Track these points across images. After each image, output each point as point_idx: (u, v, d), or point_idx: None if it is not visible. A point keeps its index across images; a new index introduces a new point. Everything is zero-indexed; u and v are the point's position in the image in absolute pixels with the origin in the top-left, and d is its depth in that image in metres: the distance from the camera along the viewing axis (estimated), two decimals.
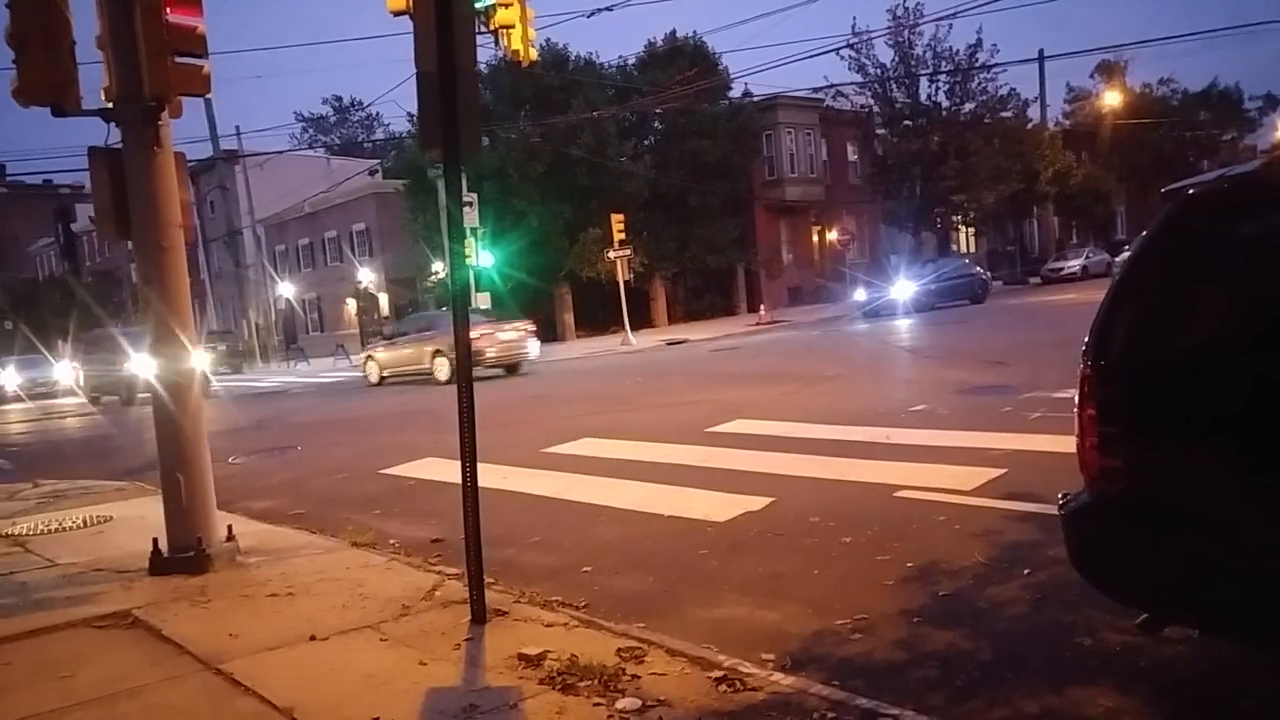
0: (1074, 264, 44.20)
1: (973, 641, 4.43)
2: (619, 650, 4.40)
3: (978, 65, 43.01)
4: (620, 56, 41.90)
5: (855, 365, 18.09)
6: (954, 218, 48.69)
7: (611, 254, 32.36)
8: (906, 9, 42.53)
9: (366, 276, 47.42)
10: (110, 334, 30.82)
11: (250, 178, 47.08)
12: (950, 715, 3.75)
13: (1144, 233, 3.73)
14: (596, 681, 4.05)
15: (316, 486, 10.26)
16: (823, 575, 5.59)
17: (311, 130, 78.62)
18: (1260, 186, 3.51)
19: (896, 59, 44.08)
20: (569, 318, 40.28)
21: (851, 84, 45.08)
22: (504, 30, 14.71)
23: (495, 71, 35.99)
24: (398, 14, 14.78)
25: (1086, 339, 3.52)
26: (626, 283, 32.97)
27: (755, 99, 43.13)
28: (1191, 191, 3.55)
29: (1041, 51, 46.48)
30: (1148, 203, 52.90)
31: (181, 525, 6.52)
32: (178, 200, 6.56)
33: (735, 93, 42.65)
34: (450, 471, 8.73)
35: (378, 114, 79.60)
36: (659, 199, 39.17)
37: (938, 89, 44.47)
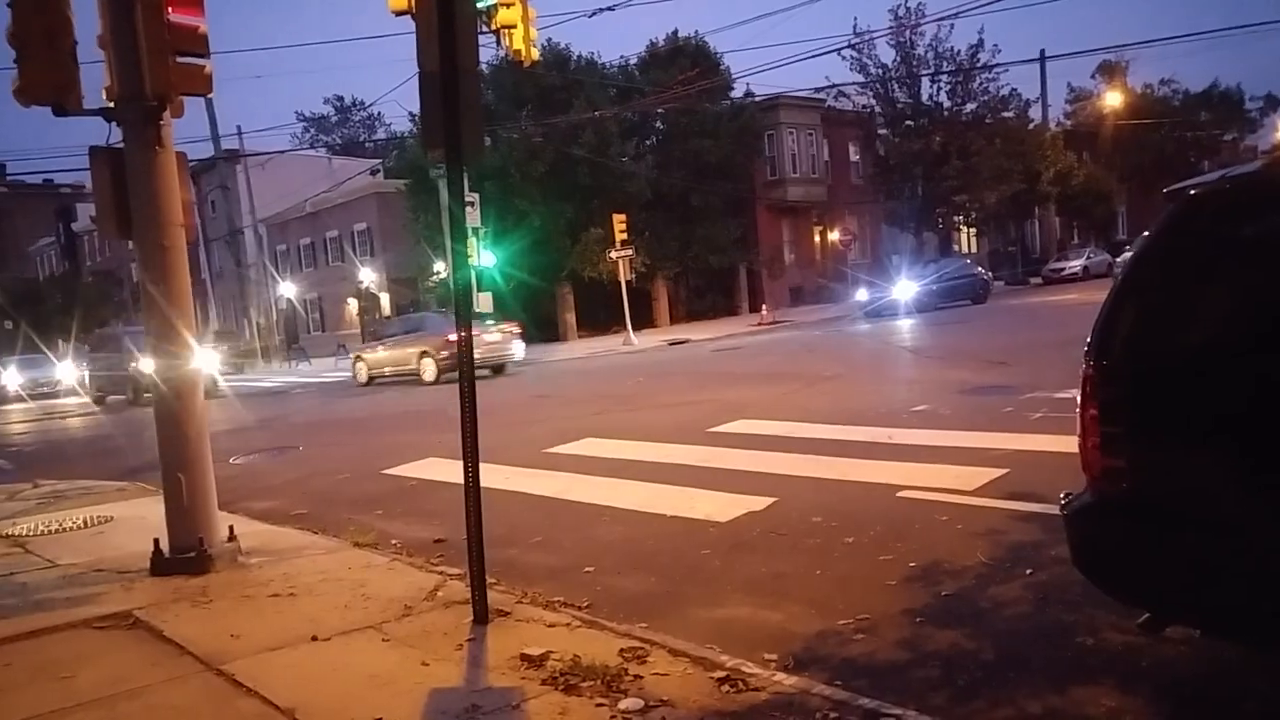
0: (1075, 264, 44.21)
1: (975, 641, 4.43)
2: (621, 650, 4.40)
3: (979, 65, 43.01)
4: (622, 56, 42.10)
5: (857, 365, 18.09)
6: (955, 218, 48.68)
7: (613, 254, 32.36)
8: (908, 9, 42.57)
9: (368, 276, 47.45)
10: (117, 332, 30.81)
11: (252, 177, 47.11)
12: (953, 715, 3.75)
13: (1146, 233, 3.73)
14: (599, 682, 4.05)
15: (318, 486, 10.26)
16: (825, 575, 5.58)
17: (313, 130, 78.76)
18: (1262, 187, 3.51)
19: (898, 59, 44.11)
20: (571, 317, 40.29)
21: (853, 84, 45.10)
22: (506, 30, 14.69)
23: (497, 71, 36.00)
24: (399, 14, 14.78)
25: (1089, 339, 3.52)
26: (628, 283, 32.96)
27: (757, 99, 43.12)
28: (1194, 192, 3.55)
29: (1043, 52, 46.61)
30: (1149, 203, 52.83)
31: (183, 525, 6.51)
32: (179, 200, 6.56)
33: (737, 93, 42.71)
34: (452, 471, 8.74)
35: (379, 114, 79.77)
36: (661, 199, 39.17)
37: (939, 89, 44.51)
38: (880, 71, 44.32)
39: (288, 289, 51.74)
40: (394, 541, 7.22)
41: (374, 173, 49.05)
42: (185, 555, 6.45)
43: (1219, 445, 3.17)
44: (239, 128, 68.40)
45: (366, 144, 70.40)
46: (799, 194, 45.95)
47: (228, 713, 4.13)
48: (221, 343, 35.06)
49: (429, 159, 27.22)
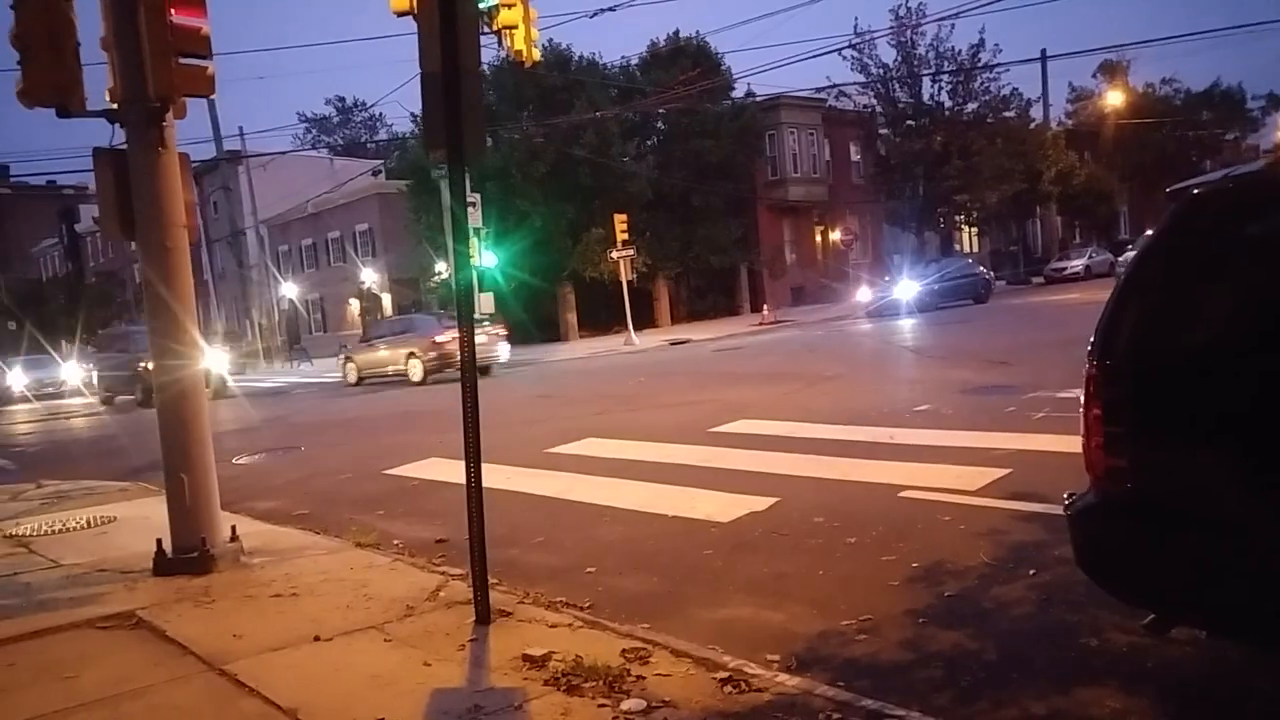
0: (1077, 264, 44.20)
1: (978, 642, 4.42)
2: (624, 651, 4.39)
3: (980, 65, 42.99)
4: (623, 57, 42.08)
5: (859, 365, 18.09)
6: (957, 217, 48.69)
7: (614, 254, 32.37)
8: (909, 9, 42.56)
9: (370, 277, 47.49)
10: (126, 331, 30.61)
11: (254, 178, 47.14)
12: (956, 716, 3.75)
13: (1149, 232, 3.73)
14: (601, 682, 4.05)
15: (320, 487, 10.26)
16: (827, 575, 5.58)
17: (315, 131, 78.78)
18: (1265, 186, 3.51)
19: (899, 59, 44.09)
20: (572, 318, 40.32)
21: (854, 84, 45.10)
22: (507, 30, 14.67)
23: (498, 72, 36.04)
24: (401, 14, 14.77)
25: (1092, 339, 3.52)
26: (630, 283, 32.97)
27: (758, 99, 43.13)
28: (1197, 191, 3.54)
29: (1044, 51, 46.59)
30: (1151, 202, 52.93)
31: (185, 526, 6.51)
32: (182, 200, 6.58)
33: (738, 93, 42.71)
34: (453, 471, 8.73)
35: (381, 114, 79.75)
36: (662, 199, 39.19)
37: (940, 89, 44.49)
38: (881, 71, 44.32)
39: (289, 289, 51.79)
40: (396, 542, 7.22)
41: (375, 173, 49.11)
42: (188, 555, 6.45)
43: (1222, 445, 3.17)
44: (241, 129, 68.51)
45: (368, 145, 70.46)
46: (800, 194, 45.95)
47: (230, 713, 4.13)
48: (232, 343, 34.98)
49: (431, 159, 27.29)
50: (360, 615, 5.27)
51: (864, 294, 35.35)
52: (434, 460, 10.64)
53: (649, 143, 41.89)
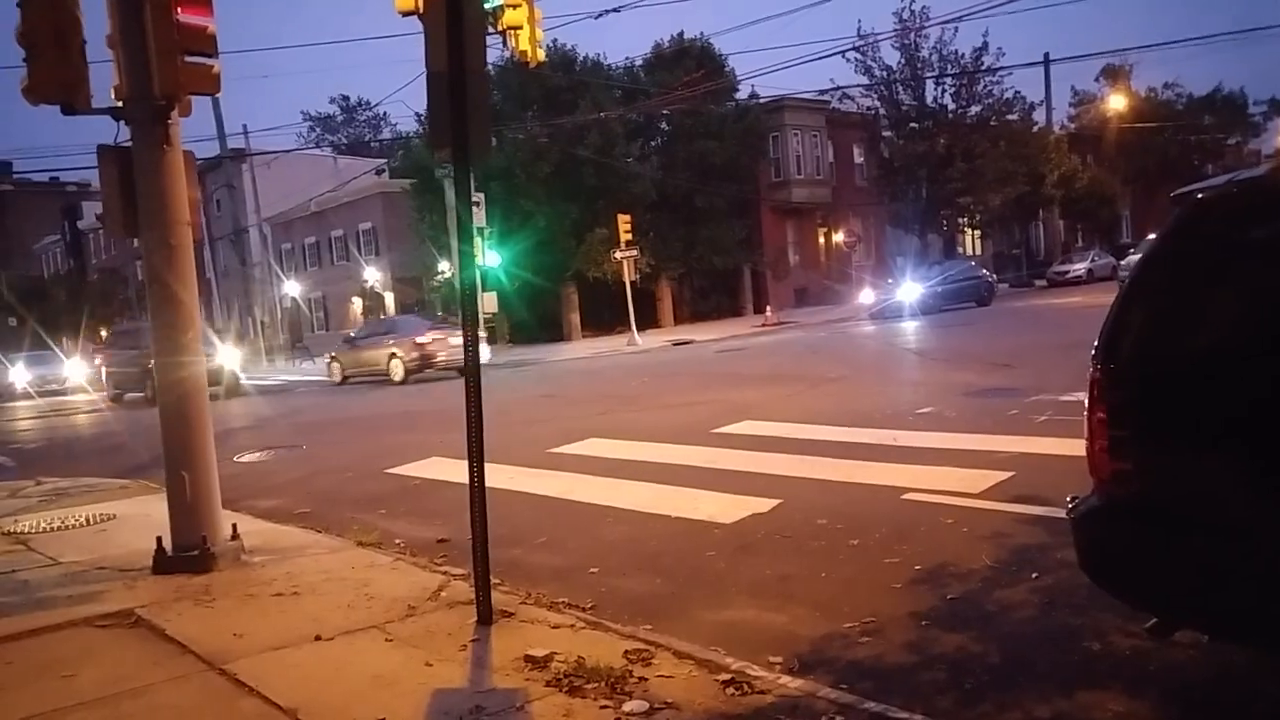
0: (1079, 267, 44.27)
1: (981, 645, 4.41)
2: (626, 652, 4.39)
3: (983, 68, 42.99)
4: (627, 58, 41.92)
5: (862, 367, 18.08)
6: (960, 220, 48.67)
7: (618, 254, 32.36)
8: (913, 12, 42.53)
9: (372, 276, 47.50)
10: (138, 328, 30.33)
11: (257, 176, 47.17)
12: (959, 719, 3.74)
13: (1153, 236, 3.72)
14: (603, 684, 4.04)
15: (322, 485, 10.26)
16: (830, 578, 5.57)
17: (319, 129, 78.80)
18: (1269, 191, 3.51)
19: (903, 61, 44.08)
20: (575, 318, 40.33)
21: (858, 86, 45.09)
22: (512, 31, 14.70)
23: (503, 72, 36.04)
24: (406, 14, 14.77)
25: (1096, 342, 3.52)
26: (633, 283, 32.97)
27: (762, 101, 43.12)
28: (1201, 196, 3.55)
29: (1047, 55, 46.67)
30: (1153, 206, 52.94)
31: (186, 523, 6.50)
32: (186, 198, 6.57)
33: (742, 94, 42.68)
34: (456, 471, 8.71)
35: (385, 113, 79.76)
36: (665, 200, 39.19)
37: (944, 91, 44.47)
38: (885, 74, 44.31)
39: (292, 288, 51.79)
40: (398, 541, 7.21)
41: (379, 172, 49.08)
42: (188, 553, 6.44)
43: (1228, 448, 3.17)
44: (245, 127, 68.53)
45: (372, 144, 70.47)
46: (803, 195, 45.93)
47: (230, 712, 4.13)
48: (255, 339, 34.87)
49: (436, 159, 27.39)
50: (362, 615, 5.26)
51: (867, 296, 35.31)
52: (436, 460, 10.64)
53: (653, 143, 41.91)
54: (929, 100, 44.72)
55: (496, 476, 7.95)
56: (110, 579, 6.39)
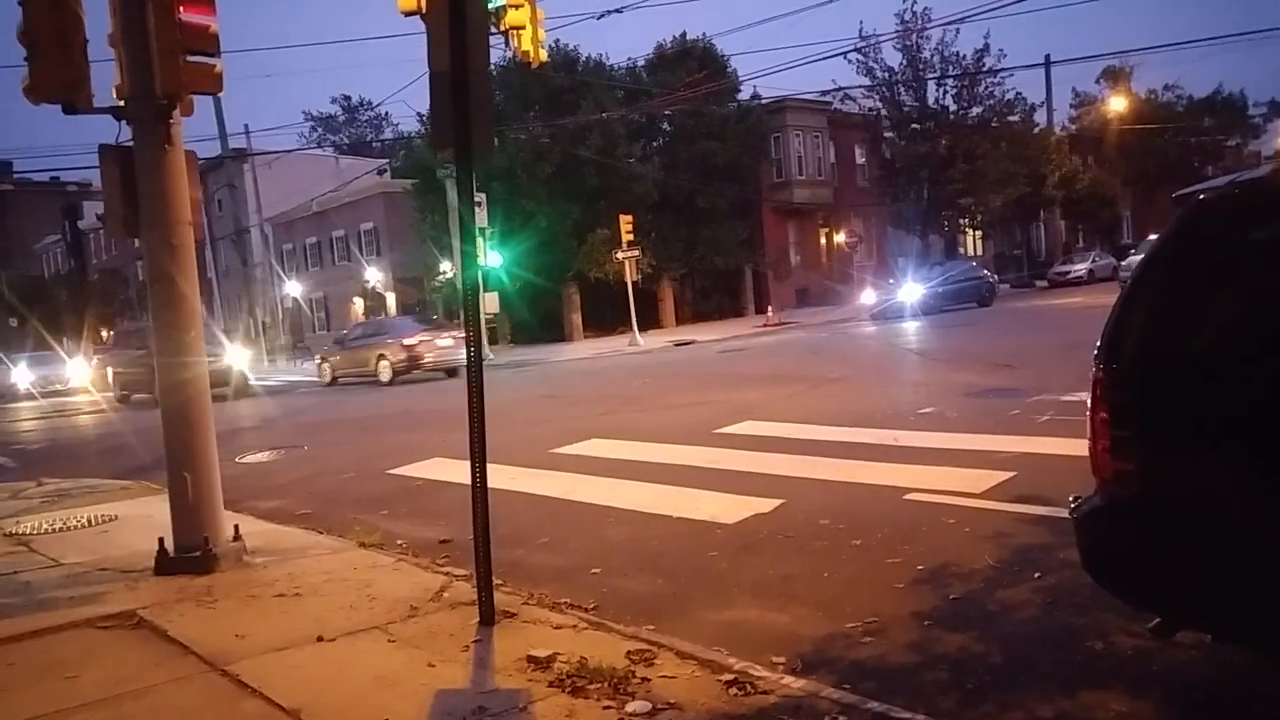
0: (1080, 267, 44.39)
1: (984, 644, 4.41)
2: (629, 653, 4.38)
3: (985, 70, 42.99)
4: (629, 58, 41.91)
5: (863, 367, 18.08)
6: (961, 221, 48.68)
7: (620, 254, 32.35)
8: (914, 13, 42.53)
9: (374, 276, 47.50)
10: (147, 327, 30.25)
11: (258, 176, 47.19)
12: (961, 718, 3.74)
13: (1155, 237, 3.73)
14: (606, 684, 4.04)
15: (323, 486, 10.25)
16: (833, 578, 5.57)
17: (320, 129, 78.80)
18: (1271, 192, 3.51)
19: (904, 63, 44.08)
20: (577, 318, 40.32)
21: (859, 87, 45.09)
22: (514, 31, 14.73)
23: (505, 72, 36.06)
24: (408, 14, 14.80)
25: (1098, 342, 3.52)
26: (635, 283, 32.97)
27: (764, 102, 43.13)
28: (1203, 197, 3.56)
29: (1048, 57, 46.69)
30: (1153, 207, 53.07)
31: (188, 524, 6.49)
32: (188, 198, 6.56)
33: (744, 95, 42.71)
34: (457, 471, 8.72)
35: (387, 114, 79.74)
36: (667, 200, 39.21)
37: (945, 93, 44.47)
38: (886, 75, 44.33)
39: (293, 288, 51.81)
40: (399, 542, 7.20)
41: (381, 172, 49.14)
42: (190, 554, 6.42)
43: (1229, 449, 3.17)
44: (246, 126, 68.55)
45: (374, 144, 70.47)
46: (805, 196, 45.94)
47: (232, 714, 4.12)
48: (268, 338, 34.79)
49: (438, 159, 27.44)
50: (364, 616, 5.25)
51: (868, 296, 35.32)
52: (438, 460, 10.63)
53: (655, 144, 41.93)
54: (930, 101, 44.74)
55: (498, 477, 7.95)
56: (112, 580, 6.38)
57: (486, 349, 26.12)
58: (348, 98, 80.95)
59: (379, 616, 5.22)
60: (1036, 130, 47.22)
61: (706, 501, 7.57)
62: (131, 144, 6.45)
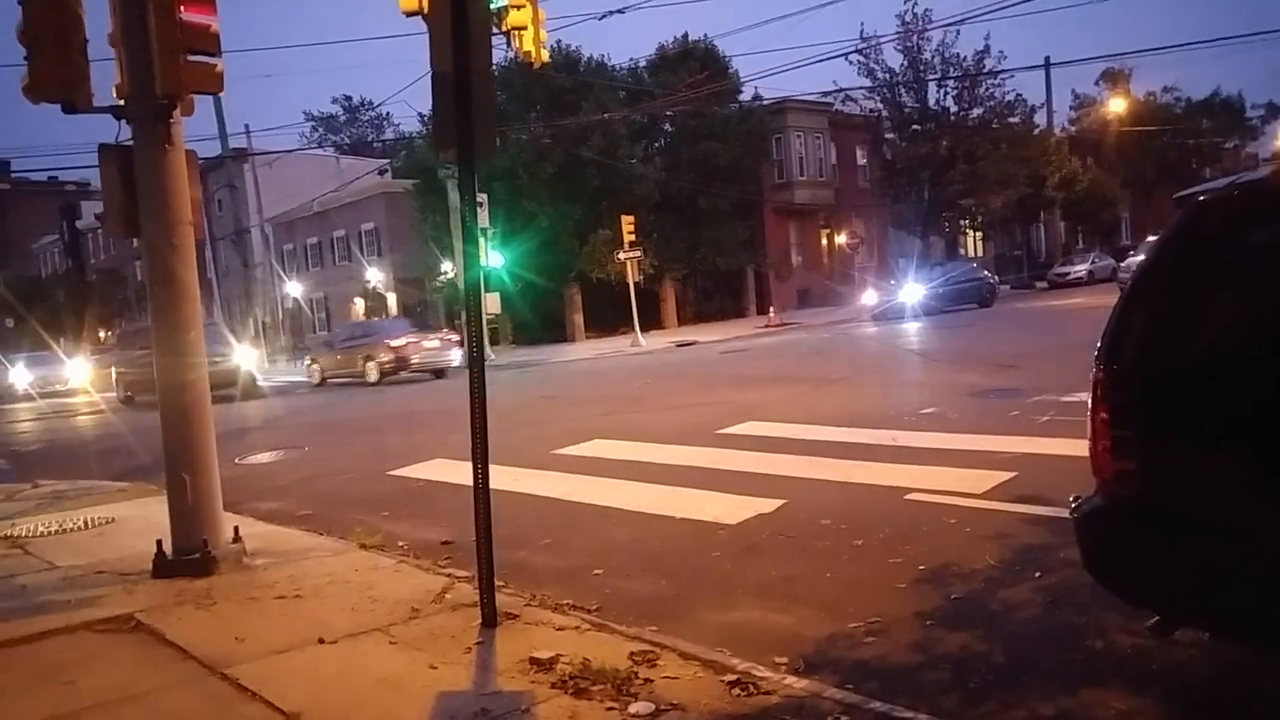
0: (1080, 269, 44.57)
1: (985, 644, 4.42)
2: (631, 654, 4.37)
3: (985, 71, 43.00)
4: (631, 59, 41.94)
5: (865, 368, 18.08)
6: (962, 222, 48.71)
7: (621, 255, 32.36)
8: (915, 15, 42.54)
9: (375, 276, 47.51)
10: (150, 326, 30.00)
11: (259, 176, 47.18)
12: (964, 718, 3.75)
13: (1155, 238, 3.74)
14: (609, 685, 4.03)
15: (324, 487, 10.24)
16: (835, 578, 5.57)
17: (321, 129, 78.76)
18: (1270, 194, 3.51)
19: (905, 64, 44.10)
20: (579, 318, 40.34)
21: (860, 88, 45.11)
22: (516, 31, 14.72)
23: (507, 72, 36.06)
24: (410, 14, 14.81)
25: (1099, 343, 3.54)
26: (636, 284, 32.97)
27: (765, 103, 43.14)
28: (1203, 198, 3.56)
29: (1048, 59, 46.71)
30: (1152, 208, 53.16)
31: (186, 526, 6.44)
32: (188, 198, 6.53)
33: (745, 96, 42.72)
34: (459, 473, 8.71)
35: (388, 114, 79.66)
36: (669, 201, 39.23)
37: (946, 94, 44.48)
38: (887, 76, 44.34)
39: (294, 288, 51.80)
40: (401, 543, 7.19)
41: (382, 173, 49.15)
42: (189, 557, 6.37)
43: (1229, 449, 3.18)
44: (247, 126, 68.49)
45: (375, 144, 70.44)
46: (806, 197, 45.96)
47: (231, 718, 4.10)
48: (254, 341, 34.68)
49: (440, 159, 27.48)
50: (365, 618, 5.23)
51: (869, 297, 35.33)
52: (439, 461, 10.62)
53: (656, 145, 41.95)
54: (931, 103, 44.76)
55: (500, 478, 7.94)
56: (109, 583, 6.31)
57: (488, 349, 26.24)
58: (349, 98, 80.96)
59: (380, 618, 5.19)
60: (1036, 132, 47.23)
61: (709, 502, 7.56)
62: (131, 143, 6.42)
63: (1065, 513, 3.78)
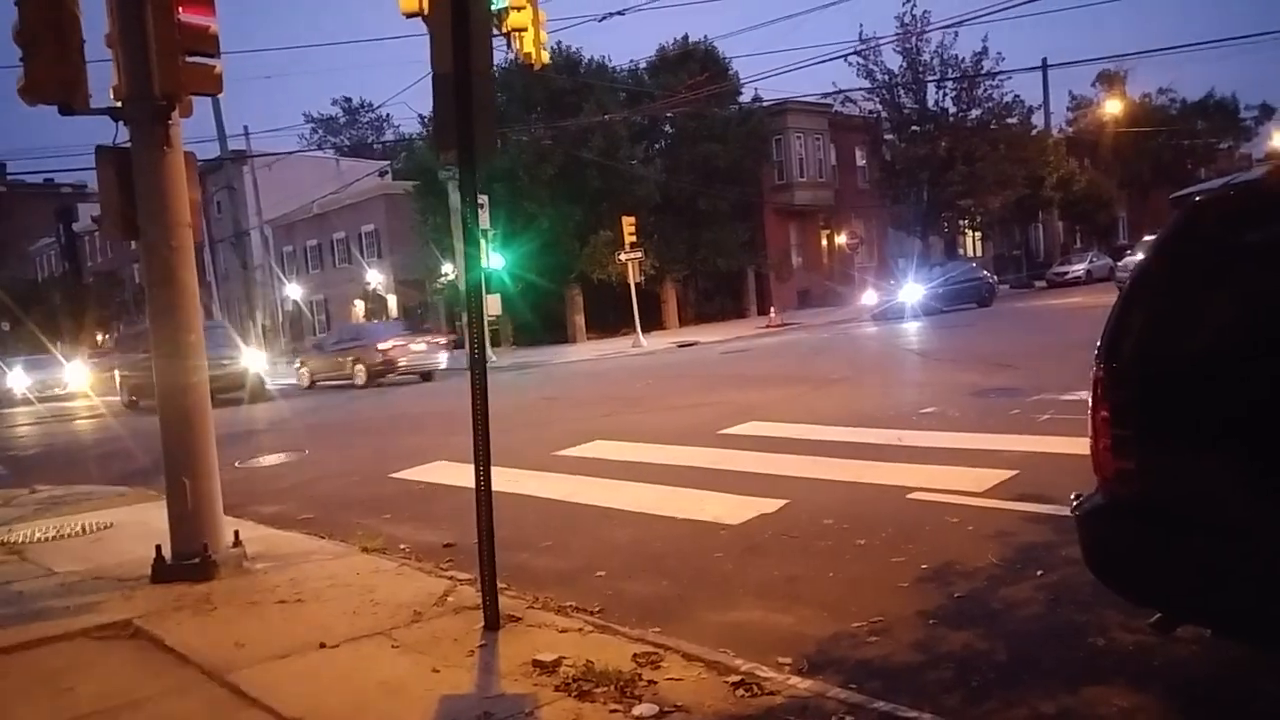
0: (1078, 268, 44.87)
1: (988, 642, 4.42)
2: (635, 655, 4.36)
3: (983, 72, 43.06)
4: (632, 60, 41.95)
5: (866, 368, 18.08)
6: (961, 222, 48.77)
7: (622, 256, 32.38)
8: (914, 16, 42.57)
9: (375, 278, 47.50)
10: None
11: (259, 178, 47.17)
12: (967, 716, 3.74)
13: (1153, 237, 3.75)
14: (613, 688, 4.02)
15: (325, 490, 10.22)
16: (837, 578, 5.56)
17: (321, 131, 78.73)
18: (1266, 194, 3.52)
19: (904, 65, 44.14)
20: (580, 319, 40.35)
21: (860, 90, 45.14)
22: (516, 33, 14.72)
23: (507, 74, 36.04)
24: (410, 16, 14.80)
25: (1099, 342, 3.54)
26: (637, 285, 32.98)
27: (765, 104, 43.16)
28: (1199, 199, 3.57)
29: (1045, 60, 46.74)
30: (1148, 208, 53.29)
31: (186, 531, 6.39)
32: (187, 200, 6.49)
33: (745, 98, 42.75)
34: (460, 475, 8.70)
35: (388, 115, 79.61)
36: (669, 202, 39.26)
37: (945, 95, 44.54)
38: (886, 77, 44.38)
39: (294, 291, 51.77)
40: (403, 546, 7.17)
41: (382, 174, 49.13)
42: (188, 561, 6.31)
43: (1226, 449, 3.19)
44: (246, 128, 68.48)
45: (375, 145, 70.41)
46: (806, 198, 45.99)
47: None
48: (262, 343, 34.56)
49: (440, 161, 27.47)
50: (367, 621, 5.20)
51: (869, 297, 35.39)
52: (440, 463, 10.60)
53: (657, 146, 41.98)
54: (930, 104, 44.80)
55: (501, 479, 7.91)
56: (108, 589, 6.25)
57: (489, 351, 26.26)
58: (349, 99, 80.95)
59: (382, 622, 5.17)
60: (1034, 133, 47.31)
61: (711, 502, 7.55)
62: (129, 145, 6.39)
63: (1066, 511, 3.78)
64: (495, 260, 28.56)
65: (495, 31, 14.36)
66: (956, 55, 43.19)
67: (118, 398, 28.31)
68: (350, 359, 27.18)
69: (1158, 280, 3.57)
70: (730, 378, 17.99)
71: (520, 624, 4.96)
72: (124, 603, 5.93)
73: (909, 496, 7.14)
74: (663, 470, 9.06)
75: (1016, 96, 45.23)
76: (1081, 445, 3.64)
